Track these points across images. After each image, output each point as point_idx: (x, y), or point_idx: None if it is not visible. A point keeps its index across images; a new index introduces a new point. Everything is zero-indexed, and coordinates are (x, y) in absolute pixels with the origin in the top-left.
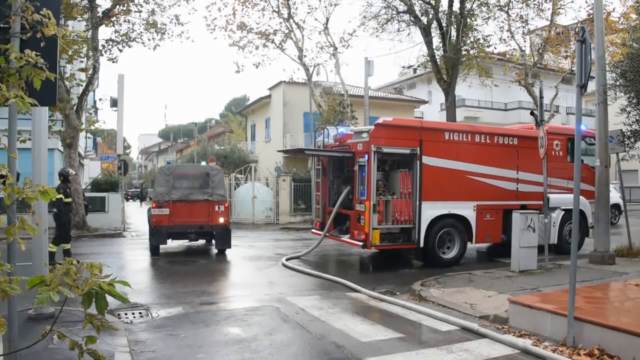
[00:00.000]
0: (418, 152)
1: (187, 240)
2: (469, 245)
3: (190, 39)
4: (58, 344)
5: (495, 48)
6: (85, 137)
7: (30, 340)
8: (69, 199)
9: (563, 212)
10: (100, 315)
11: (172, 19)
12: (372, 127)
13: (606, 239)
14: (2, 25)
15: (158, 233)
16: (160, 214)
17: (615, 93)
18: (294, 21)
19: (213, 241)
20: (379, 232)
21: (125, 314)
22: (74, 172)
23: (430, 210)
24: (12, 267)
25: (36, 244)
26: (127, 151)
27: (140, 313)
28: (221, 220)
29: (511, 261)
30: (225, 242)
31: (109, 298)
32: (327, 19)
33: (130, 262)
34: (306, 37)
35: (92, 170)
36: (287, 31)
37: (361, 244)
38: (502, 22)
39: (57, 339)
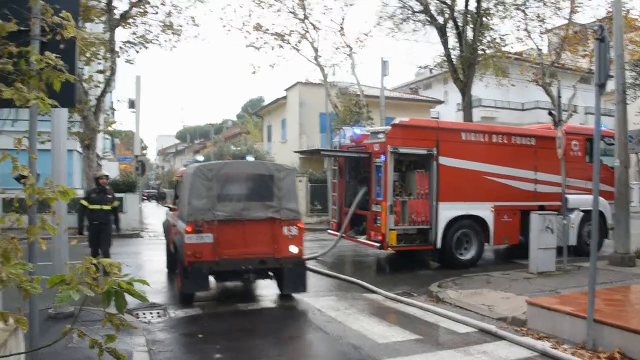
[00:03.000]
0: (435, 152)
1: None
2: (486, 246)
3: (207, 40)
4: (78, 342)
5: (512, 47)
6: (103, 139)
7: (50, 339)
8: (95, 206)
9: (582, 213)
10: (119, 314)
11: (188, 21)
12: (389, 127)
13: (626, 240)
14: (22, 29)
15: (196, 273)
16: (199, 244)
17: (635, 92)
18: (310, 22)
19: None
20: (395, 233)
21: (144, 314)
22: (106, 173)
23: (448, 211)
24: (34, 267)
25: (56, 243)
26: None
27: (158, 313)
28: (293, 249)
29: (529, 262)
30: (298, 282)
31: (127, 298)
32: (343, 19)
33: (147, 262)
34: (322, 37)
35: (110, 171)
36: (302, 32)
37: (378, 244)
38: (519, 21)
39: (77, 338)
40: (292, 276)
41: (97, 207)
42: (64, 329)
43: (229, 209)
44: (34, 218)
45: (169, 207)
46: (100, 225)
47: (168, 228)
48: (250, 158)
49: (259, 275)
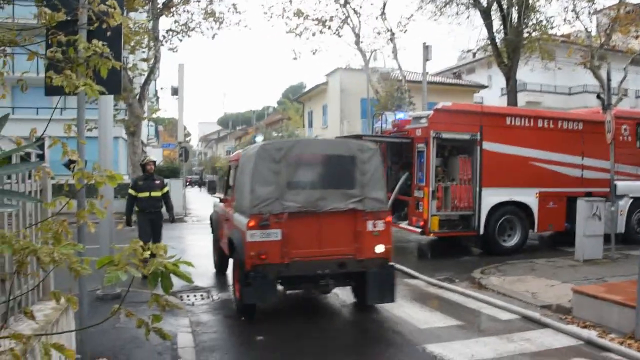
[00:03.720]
0: (478, 137)
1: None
2: (531, 233)
3: (248, 27)
4: (125, 322)
5: (559, 30)
6: (148, 126)
7: (98, 319)
8: (143, 194)
9: (631, 200)
10: (165, 294)
11: (230, 8)
12: (431, 112)
13: None
14: (70, 18)
15: (260, 279)
16: (265, 242)
17: None
18: (351, 7)
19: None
20: (437, 219)
21: (187, 296)
22: (153, 159)
23: (491, 197)
24: (84, 247)
25: (104, 227)
26: (187, 139)
27: (201, 295)
28: (379, 249)
29: (575, 250)
30: (385, 289)
31: (173, 280)
32: (384, 4)
33: (191, 246)
34: (363, 22)
35: (154, 157)
36: (343, 17)
37: (419, 230)
38: (567, 2)
39: (125, 318)
40: (377, 282)
41: (146, 194)
42: (113, 309)
43: (302, 199)
44: (83, 202)
45: (219, 197)
46: (150, 214)
47: (218, 223)
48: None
49: (338, 282)
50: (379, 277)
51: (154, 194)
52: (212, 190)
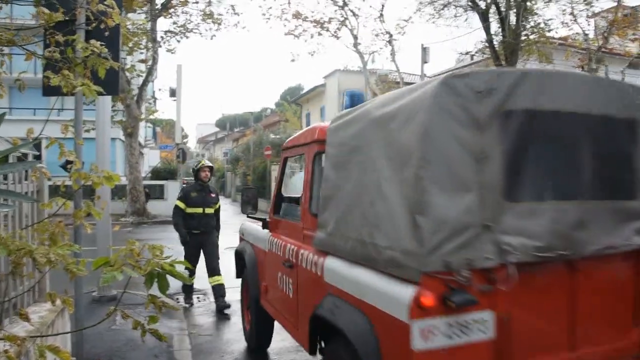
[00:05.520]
0: None
1: None
2: None
3: (246, 28)
4: (121, 325)
5: (556, 32)
6: (145, 127)
7: (94, 321)
8: (196, 210)
9: None
10: (162, 295)
11: (228, 9)
12: None
13: None
14: (68, 18)
15: None
16: (458, 350)
17: None
18: (349, 8)
19: None
20: None
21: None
22: (209, 164)
23: None
24: (80, 248)
25: (101, 228)
26: (185, 140)
27: (198, 298)
28: None
29: None
30: None
31: (170, 282)
32: (383, 6)
33: None
34: (361, 24)
35: (151, 158)
36: (342, 19)
37: None
38: (564, 5)
39: (121, 320)
40: None
41: (199, 210)
42: (109, 310)
43: (544, 226)
44: (79, 202)
45: (256, 218)
46: (202, 235)
47: (258, 267)
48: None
49: None
50: None
51: (208, 210)
52: (248, 206)
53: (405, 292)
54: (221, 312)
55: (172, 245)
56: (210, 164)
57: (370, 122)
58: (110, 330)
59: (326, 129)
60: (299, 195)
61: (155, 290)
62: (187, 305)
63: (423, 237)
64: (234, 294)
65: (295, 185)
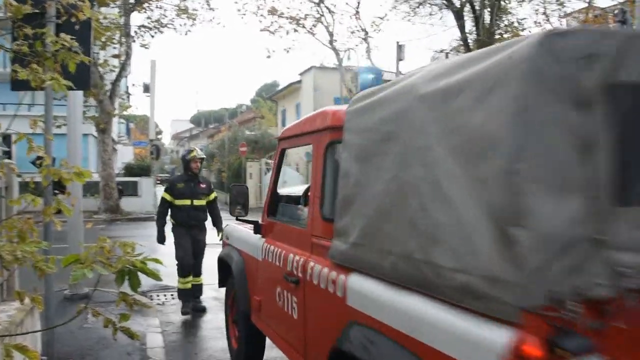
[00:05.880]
0: None
1: None
2: None
3: (221, 24)
4: (92, 323)
5: (529, 31)
6: (119, 123)
7: (65, 319)
8: (183, 202)
9: None
10: (133, 293)
11: (203, 5)
12: None
13: None
14: (37, 11)
15: None
16: None
17: None
18: (325, 5)
19: None
20: None
21: (157, 296)
22: (201, 155)
23: None
24: (49, 245)
25: (72, 225)
26: (159, 136)
27: (172, 295)
28: None
29: None
30: None
31: (142, 279)
32: (359, 3)
33: (160, 245)
34: (337, 21)
35: (125, 155)
36: (317, 15)
37: None
38: (538, 4)
39: (92, 318)
40: None
41: (187, 202)
42: (79, 308)
43: None
44: (49, 199)
45: (247, 221)
46: (192, 228)
47: (250, 279)
48: None
49: None
50: None
51: (197, 202)
52: (238, 206)
53: (494, 337)
54: (196, 311)
55: (145, 243)
56: (203, 155)
57: (417, 101)
58: (82, 328)
59: (344, 113)
60: (299, 195)
61: (127, 288)
62: (187, 316)
63: (522, 258)
64: (210, 292)
65: (285, 182)
